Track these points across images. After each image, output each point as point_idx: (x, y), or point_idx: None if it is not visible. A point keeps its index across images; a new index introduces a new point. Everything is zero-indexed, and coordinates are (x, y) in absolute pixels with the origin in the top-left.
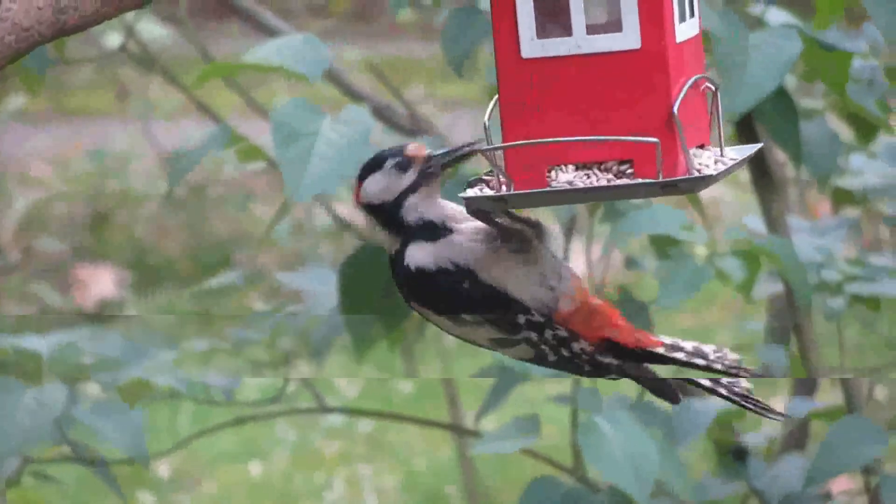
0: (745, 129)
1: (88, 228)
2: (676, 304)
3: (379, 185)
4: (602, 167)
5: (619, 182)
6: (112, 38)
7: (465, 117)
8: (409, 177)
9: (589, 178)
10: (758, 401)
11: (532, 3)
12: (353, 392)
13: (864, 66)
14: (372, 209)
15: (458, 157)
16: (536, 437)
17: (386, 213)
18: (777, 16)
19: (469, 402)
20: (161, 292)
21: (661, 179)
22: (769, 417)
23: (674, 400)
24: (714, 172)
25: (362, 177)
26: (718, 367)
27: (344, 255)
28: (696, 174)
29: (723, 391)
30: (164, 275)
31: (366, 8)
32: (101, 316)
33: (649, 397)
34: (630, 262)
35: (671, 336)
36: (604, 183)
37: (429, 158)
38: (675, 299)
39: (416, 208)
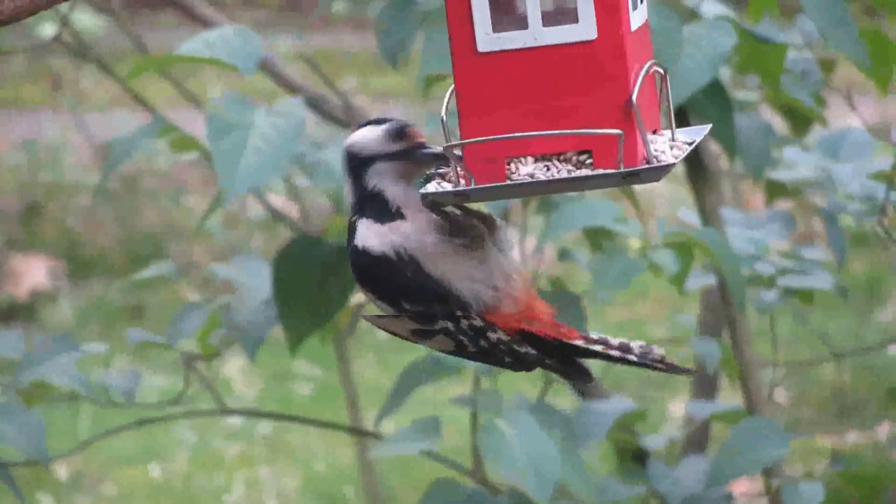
0: (678, 123)
1: (20, 220)
2: (609, 297)
3: (366, 137)
4: (561, 158)
5: (580, 173)
6: (45, 29)
7: (398, 109)
8: (394, 146)
9: (549, 169)
10: (671, 363)
11: None
12: (251, 394)
13: (799, 59)
14: (349, 157)
15: (443, 160)
16: (438, 440)
17: (356, 166)
18: (712, 8)
19: (369, 404)
20: (93, 284)
21: (622, 170)
22: (683, 374)
23: (587, 378)
24: (673, 160)
25: (361, 125)
26: (634, 359)
27: (277, 247)
28: (655, 162)
29: (633, 358)
30: (96, 266)
31: None
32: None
33: (550, 398)
34: (563, 254)
35: (603, 329)
36: (564, 175)
37: (420, 146)
38: (608, 291)
39: (380, 176)
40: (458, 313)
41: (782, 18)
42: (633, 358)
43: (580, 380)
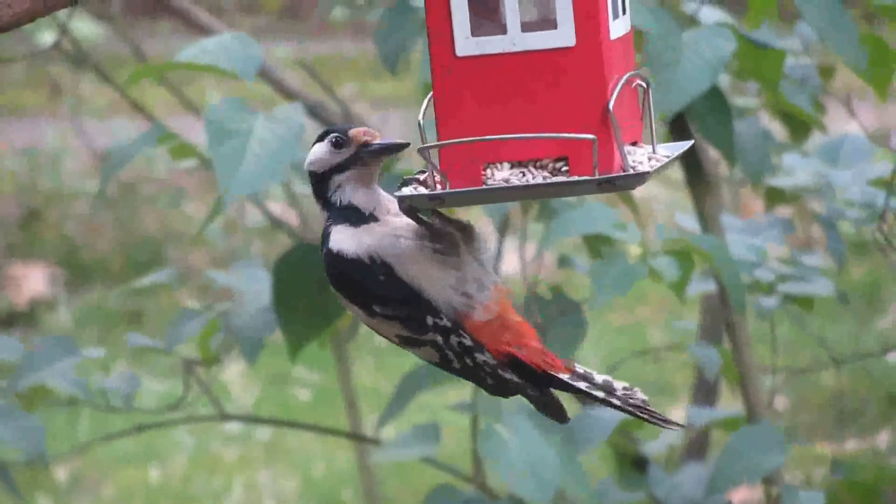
0: (677, 128)
1: (20, 226)
2: (609, 301)
3: (316, 155)
4: (537, 164)
5: (554, 179)
6: (44, 36)
7: (396, 115)
8: (341, 155)
9: (525, 175)
10: (653, 412)
11: (466, 1)
12: (250, 398)
13: (797, 65)
14: (310, 175)
15: (389, 150)
16: (437, 446)
17: (316, 184)
18: (710, 14)
19: (368, 408)
20: (92, 290)
21: (597, 177)
22: (666, 427)
23: (562, 419)
24: (649, 169)
25: (315, 143)
26: (617, 403)
27: (276, 254)
28: (632, 171)
29: (616, 402)
30: (96, 273)
31: (297, 5)
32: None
33: None
34: (563, 261)
35: (603, 331)
36: (539, 181)
37: (365, 145)
38: (607, 297)
39: (342, 188)
40: (440, 320)
41: (781, 24)
42: (615, 402)
43: (556, 418)
